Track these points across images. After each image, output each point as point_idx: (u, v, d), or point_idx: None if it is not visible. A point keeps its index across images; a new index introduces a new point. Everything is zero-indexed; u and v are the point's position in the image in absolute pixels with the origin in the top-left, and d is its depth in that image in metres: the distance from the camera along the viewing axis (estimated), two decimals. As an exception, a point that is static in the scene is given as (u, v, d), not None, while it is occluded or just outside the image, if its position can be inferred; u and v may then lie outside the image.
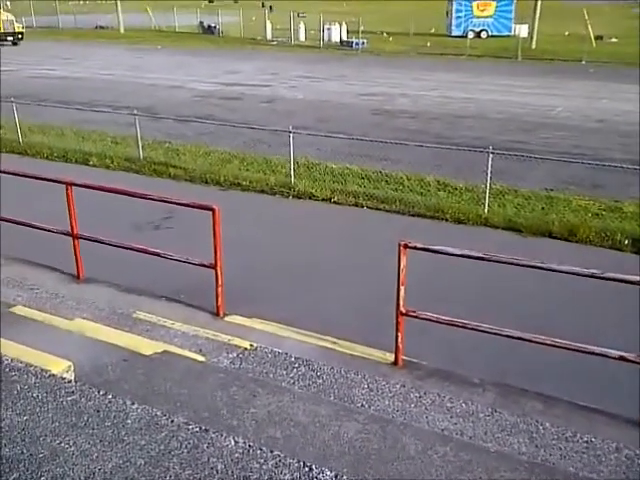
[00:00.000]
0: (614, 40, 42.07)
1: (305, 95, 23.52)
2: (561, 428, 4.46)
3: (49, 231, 7.31)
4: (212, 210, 6.06)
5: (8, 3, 47.81)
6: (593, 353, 4.87)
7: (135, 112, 13.89)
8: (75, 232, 7.01)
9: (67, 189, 6.84)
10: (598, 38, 39.71)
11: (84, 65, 31.50)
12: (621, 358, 4.77)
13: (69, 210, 6.87)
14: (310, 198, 11.72)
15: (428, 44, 40.47)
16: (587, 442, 4.30)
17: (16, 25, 43.32)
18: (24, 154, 14.62)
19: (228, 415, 4.07)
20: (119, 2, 48.25)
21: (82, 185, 7.00)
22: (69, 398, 3.89)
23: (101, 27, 52.16)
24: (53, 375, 4.19)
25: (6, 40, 42.17)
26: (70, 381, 4.17)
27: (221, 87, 25.14)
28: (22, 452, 3.40)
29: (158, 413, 3.75)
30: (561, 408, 4.90)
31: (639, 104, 20.22)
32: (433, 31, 46.61)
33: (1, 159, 13.13)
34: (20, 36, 43.14)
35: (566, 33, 43.95)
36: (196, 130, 16.03)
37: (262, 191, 12.16)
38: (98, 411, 3.77)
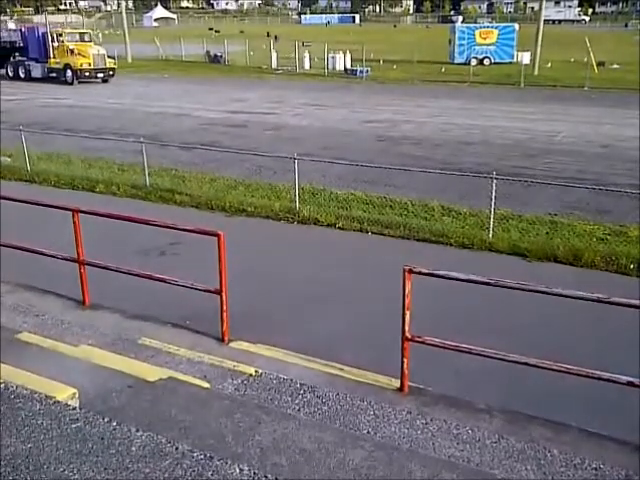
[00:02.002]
0: (616, 66, 42.36)
1: (310, 122, 23.69)
2: (569, 455, 4.41)
3: (55, 257, 7.35)
4: (217, 236, 6.09)
5: (100, 35, 42.87)
6: (601, 379, 4.84)
7: (142, 140, 14.01)
8: (81, 258, 7.05)
9: (73, 216, 6.89)
10: (600, 65, 39.99)
11: (92, 94, 31.84)
12: (629, 384, 4.73)
13: (75, 236, 6.92)
14: (315, 224, 11.75)
15: (443, 69, 40.88)
16: (596, 469, 4.25)
17: (108, 60, 37.53)
18: (32, 182, 14.73)
19: (233, 442, 4.04)
20: (127, 34, 48.95)
21: (88, 212, 7.05)
22: (74, 425, 3.88)
23: (109, 57, 52.78)
24: (58, 402, 4.18)
25: (96, 77, 36.63)
26: (75, 408, 4.17)
27: (227, 115, 25.36)
28: (26, 479, 3.38)
29: (163, 440, 3.73)
30: (569, 435, 4.86)
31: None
32: (436, 59, 47.01)
33: (5, 186, 13.22)
34: (112, 72, 37.51)
35: (572, 59, 44.26)
36: (202, 157, 16.15)
37: (267, 217, 12.20)
38: (102, 438, 3.75)
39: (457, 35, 47.74)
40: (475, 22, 71.36)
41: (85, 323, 6.59)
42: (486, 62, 47.02)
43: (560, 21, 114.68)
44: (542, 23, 40.80)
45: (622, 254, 9.77)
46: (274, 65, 44.75)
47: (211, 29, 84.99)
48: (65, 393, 4.37)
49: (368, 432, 4.65)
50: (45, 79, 37.07)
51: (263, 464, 3.76)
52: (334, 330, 7.63)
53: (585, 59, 36.74)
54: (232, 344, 6.36)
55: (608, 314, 6.03)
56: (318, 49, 44.52)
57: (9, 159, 16.17)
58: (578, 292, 4.86)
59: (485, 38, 48.00)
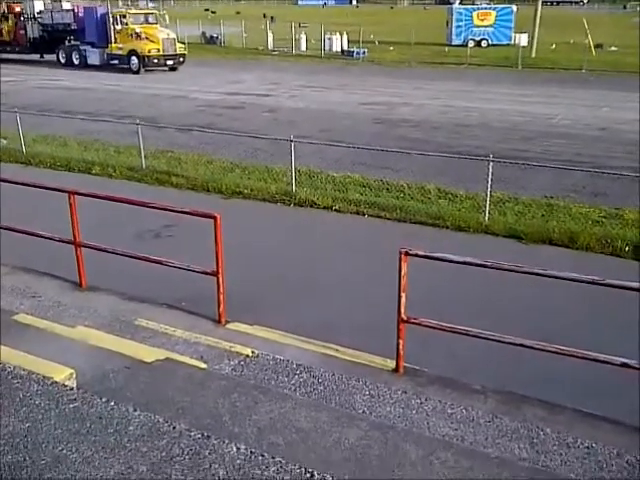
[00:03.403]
0: (614, 49, 42.20)
1: (307, 104, 23.60)
2: (562, 434, 4.46)
3: (52, 239, 7.35)
4: (214, 218, 6.10)
5: (166, 16, 36.09)
6: (596, 360, 4.88)
7: (138, 122, 13.95)
8: (77, 240, 7.05)
9: (69, 198, 6.88)
10: (598, 47, 39.84)
11: (85, 76, 31.60)
12: (624, 365, 4.77)
13: (72, 218, 6.91)
14: (311, 206, 11.75)
15: (447, 50, 40.58)
16: (588, 448, 4.30)
17: (178, 45, 33.45)
18: (27, 164, 14.69)
19: (230, 422, 4.08)
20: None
21: (85, 194, 7.04)
22: (71, 405, 3.90)
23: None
24: (55, 382, 4.20)
25: (165, 65, 32.54)
26: (72, 388, 4.19)
27: (223, 97, 25.24)
28: (24, 459, 3.41)
29: (160, 420, 3.76)
30: (563, 415, 4.90)
31: (640, 112, 20.29)
32: (433, 41, 46.74)
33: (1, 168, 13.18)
34: (182, 59, 33.34)
35: (571, 41, 44.02)
36: (198, 139, 16.09)
37: (264, 199, 12.20)
38: (100, 418, 3.78)
39: (454, 17, 47.44)
40: (473, 3, 70.72)
41: (82, 305, 6.61)
42: (483, 44, 46.79)
43: (558, 2, 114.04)
44: (540, 5, 40.55)
45: (617, 237, 9.80)
46: (270, 46, 44.47)
47: (207, 10, 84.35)
48: (62, 374, 4.39)
49: (364, 412, 4.69)
50: (104, 67, 33.39)
51: (260, 443, 3.79)
52: (330, 312, 7.67)
53: (583, 41, 36.57)
54: (229, 325, 6.39)
55: (604, 296, 6.08)
56: (315, 30, 44.25)
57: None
58: (573, 274, 4.89)
59: (483, 20, 47.72)
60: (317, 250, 9.73)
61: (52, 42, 35.37)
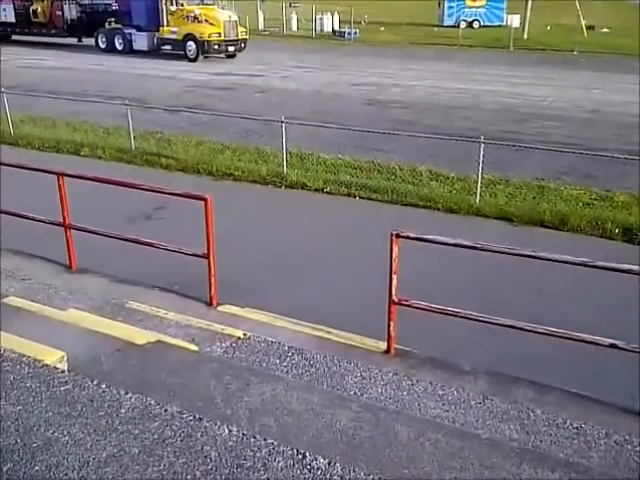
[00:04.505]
0: (606, 30, 42.16)
1: (298, 85, 23.45)
2: (552, 415, 4.50)
3: (41, 222, 7.30)
4: (204, 200, 6.07)
5: None
6: (584, 341, 4.91)
7: (126, 102, 13.82)
8: (67, 223, 7.00)
9: (58, 179, 6.82)
10: (590, 28, 39.79)
11: (75, 57, 31.22)
12: (612, 346, 4.81)
13: (61, 200, 6.86)
14: (302, 188, 11.71)
15: (435, 29, 40.34)
16: (577, 428, 4.35)
17: (240, 29, 29.94)
18: (15, 145, 14.54)
19: (222, 404, 4.09)
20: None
21: (74, 176, 6.98)
22: (62, 388, 3.90)
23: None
24: (46, 365, 4.20)
25: (226, 51, 29.21)
26: (63, 371, 4.19)
27: (213, 77, 25.03)
28: (16, 442, 3.41)
29: (152, 402, 3.77)
30: (553, 396, 4.95)
31: (634, 95, 20.30)
32: (425, 22, 46.48)
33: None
34: (243, 45, 30.01)
35: (562, 23, 43.89)
36: (188, 120, 15.97)
37: (254, 181, 12.15)
38: (92, 401, 3.78)
39: (447, -3, 47.17)
40: (465, -16, 70.38)
41: (72, 287, 6.58)
42: (475, 25, 46.64)
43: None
44: (532, -15, 40.38)
45: (608, 219, 9.84)
46: (261, 27, 44.11)
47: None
48: (53, 357, 4.38)
49: (355, 393, 4.71)
50: (152, 52, 30.03)
51: (252, 425, 3.81)
52: (321, 294, 7.67)
53: (575, 23, 36.47)
54: (220, 308, 6.38)
55: (594, 278, 6.12)
56: (306, 10, 43.86)
57: None
58: (563, 256, 4.90)
59: (475, 0, 47.47)
60: (308, 232, 9.72)
61: (91, 24, 32.25)
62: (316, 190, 11.61)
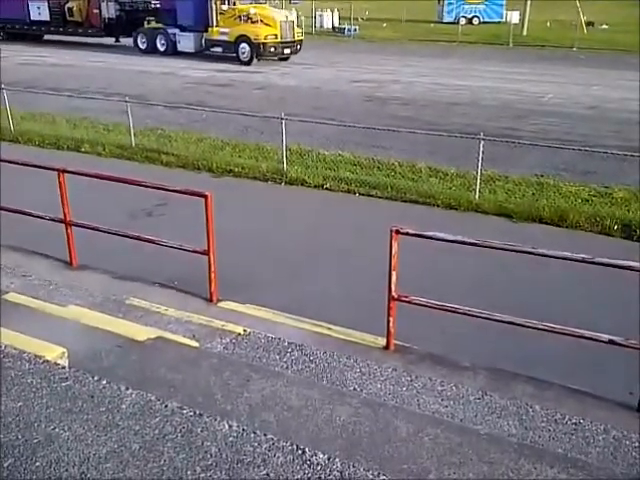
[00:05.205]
0: (605, 27, 42.13)
1: (298, 82, 23.44)
2: (551, 411, 4.52)
3: (41, 218, 7.30)
4: (205, 197, 6.07)
5: None
6: (583, 337, 4.93)
7: (127, 99, 13.82)
8: (68, 219, 7.01)
9: (59, 176, 6.83)
10: (589, 25, 39.76)
11: (72, 55, 31.18)
12: (611, 342, 4.83)
13: (61, 197, 6.87)
14: (302, 185, 11.72)
15: (433, 26, 40.31)
16: (576, 424, 4.37)
17: (296, 30, 28.00)
18: (15, 142, 14.54)
19: (222, 400, 4.10)
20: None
21: (74, 172, 6.99)
22: (63, 384, 3.92)
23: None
24: (47, 361, 4.21)
25: (282, 53, 27.24)
26: (64, 367, 4.20)
27: (213, 74, 25.00)
28: (17, 438, 3.42)
29: (152, 398, 3.78)
30: (552, 392, 4.97)
31: (633, 91, 20.29)
32: (425, 18, 46.45)
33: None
34: (299, 46, 28.04)
35: (561, 19, 43.84)
36: (188, 117, 15.97)
37: (254, 178, 12.16)
38: (92, 396, 3.80)
39: (446, -7, 47.14)
40: (465, -20, 70.28)
41: (73, 284, 6.59)
42: (475, 21, 46.60)
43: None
44: (532, -19, 40.35)
45: (607, 215, 9.86)
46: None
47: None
48: (54, 353, 4.39)
49: (355, 389, 4.73)
50: (198, 55, 28.25)
51: (252, 421, 3.82)
52: (322, 290, 7.69)
53: (575, 19, 36.45)
54: (220, 304, 6.40)
55: (593, 274, 6.13)
56: (305, 7, 43.78)
57: None
58: (563, 252, 4.92)
59: (474, -3, 47.44)
60: (308, 229, 9.73)
61: (130, 24, 30.58)
62: (316, 187, 11.62)
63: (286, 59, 27.86)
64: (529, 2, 39.56)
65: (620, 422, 4.45)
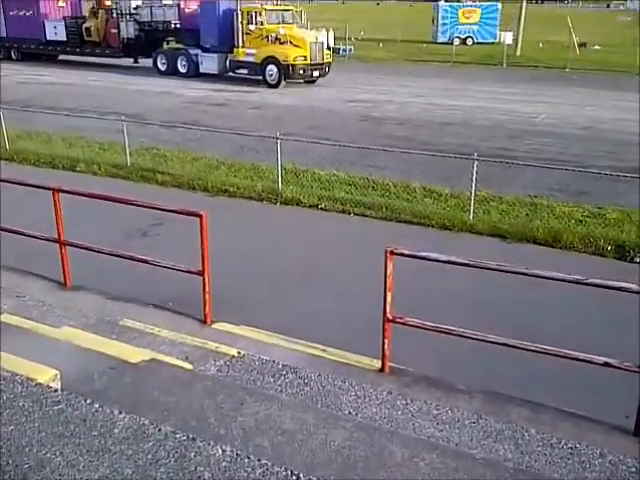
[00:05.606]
0: (597, 48, 42.55)
1: (293, 101, 23.56)
2: (547, 435, 4.50)
3: (35, 238, 7.28)
4: (200, 216, 6.07)
5: (303, 12, 28.62)
6: (578, 359, 4.92)
7: (123, 118, 13.86)
8: (62, 239, 6.99)
9: (54, 195, 6.82)
10: (582, 46, 40.16)
11: (73, 74, 31.29)
12: (606, 364, 4.82)
13: (56, 217, 6.86)
14: (297, 204, 11.74)
15: (425, 46, 40.64)
16: (572, 448, 4.34)
17: (325, 52, 27.13)
18: (11, 160, 14.54)
19: (216, 423, 4.07)
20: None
21: (69, 192, 6.98)
22: (55, 407, 3.88)
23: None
24: (39, 384, 4.17)
25: (311, 75, 26.22)
26: (56, 390, 4.16)
27: (209, 93, 25.12)
28: (7, 463, 3.38)
29: (145, 422, 3.75)
30: (547, 415, 4.94)
31: (626, 112, 20.46)
32: (419, 38, 46.85)
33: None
34: (327, 69, 27.02)
35: (554, 40, 44.28)
36: (184, 136, 16.01)
37: (250, 197, 12.17)
38: (85, 420, 3.76)
39: (440, 14, 47.69)
40: (458, 1, 70.96)
41: (66, 304, 6.55)
42: (469, 42, 47.03)
43: (543, 0, 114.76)
44: (525, 3, 40.80)
45: (600, 236, 9.88)
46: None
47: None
48: (47, 375, 4.36)
49: (350, 413, 4.71)
50: (221, 77, 27.66)
51: (246, 445, 3.79)
52: (316, 311, 7.67)
53: (567, 40, 36.82)
54: (214, 325, 6.37)
55: (586, 295, 6.13)
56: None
57: None
58: (556, 273, 4.92)
59: (468, 17, 47.96)
60: (303, 249, 9.73)
61: (149, 44, 29.79)
62: (311, 206, 11.64)
63: (313, 82, 26.99)
64: (522, 23, 39.97)
65: (616, 446, 4.43)
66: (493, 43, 45.19)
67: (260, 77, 26.25)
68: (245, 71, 26.87)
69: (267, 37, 25.94)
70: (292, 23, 27.17)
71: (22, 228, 7.43)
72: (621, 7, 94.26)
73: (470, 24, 47.75)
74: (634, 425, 4.74)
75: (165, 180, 13.02)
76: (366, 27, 50.07)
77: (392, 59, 37.11)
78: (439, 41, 46.42)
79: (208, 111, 21.07)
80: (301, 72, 25.70)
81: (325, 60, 26.65)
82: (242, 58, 26.48)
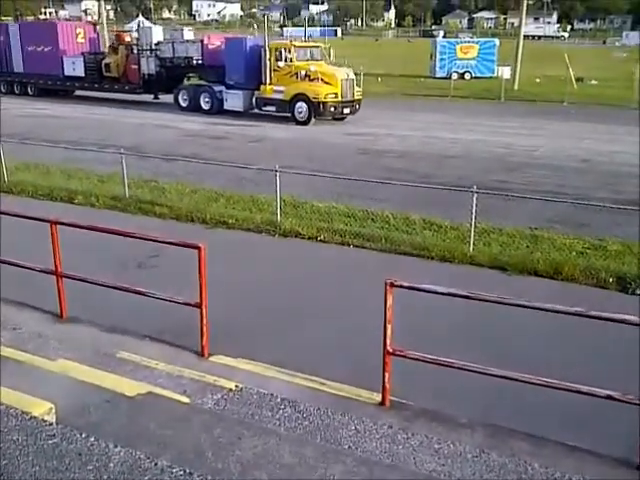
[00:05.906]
0: (594, 82, 43.03)
1: (292, 134, 23.73)
2: (550, 469, 4.42)
3: (32, 269, 7.26)
4: (198, 248, 6.05)
5: (330, 49, 28.13)
6: (580, 392, 4.86)
7: (122, 151, 13.93)
8: (59, 271, 6.96)
9: (51, 227, 6.82)
10: (579, 80, 40.61)
11: (75, 108, 31.56)
12: (608, 397, 4.76)
13: (53, 248, 6.84)
14: (296, 236, 11.72)
15: (422, 80, 41.05)
16: (576, 483, 4.26)
17: (356, 90, 26.27)
18: (9, 192, 14.58)
19: (213, 458, 4.00)
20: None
21: (67, 224, 6.98)
22: (50, 441, 3.82)
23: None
24: (34, 417, 4.11)
25: (342, 113, 25.61)
26: (51, 424, 4.10)
27: (209, 126, 25.31)
28: (0, 498, 3.31)
29: (142, 456, 3.68)
30: (550, 448, 4.87)
31: (623, 144, 20.60)
32: (417, 73, 47.41)
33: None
34: (357, 106, 26.28)
35: (551, 75, 44.83)
36: (183, 169, 16.07)
37: (248, 229, 12.16)
38: (80, 454, 3.70)
39: (438, 49, 48.35)
40: (456, 37, 72.10)
41: (62, 337, 6.50)
42: (467, 76, 47.60)
43: (540, 37, 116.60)
44: (522, 39, 41.38)
45: (601, 268, 9.85)
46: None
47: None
48: (42, 408, 4.30)
49: (349, 447, 4.62)
50: (247, 114, 27.07)
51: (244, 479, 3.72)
52: (315, 344, 7.60)
53: (565, 75, 37.26)
54: (212, 358, 6.31)
55: (588, 327, 6.08)
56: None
57: None
58: (557, 306, 4.89)
59: (466, 53, 48.63)
60: (303, 281, 9.68)
61: (170, 80, 29.19)
62: (310, 238, 11.62)
63: (342, 119, 26.31)
64: (520, 58, 40.48)
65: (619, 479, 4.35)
66: (491, 78, 45.71)
67: (289, 114, 25.77)
68: (273, 108, 26.31)
69: (296, 74, 25.38)
70: (320, 60, 26.70)
71: (19, 260, 7.40)
72: (617, 43, 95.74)
73: (468, 59, 48.40)
74: (639, 458, 4.65)
75: (163, 212, 13.02)
76: (365, 62, 50.64)
77: (391, 93, 37.51)
78: (437, 76, 46.98)
79: (207, 144, 21.22)
80: (332, 109, 25.18)
81: (355, 97, 26.03)
82: (270, 95, 25.95)
